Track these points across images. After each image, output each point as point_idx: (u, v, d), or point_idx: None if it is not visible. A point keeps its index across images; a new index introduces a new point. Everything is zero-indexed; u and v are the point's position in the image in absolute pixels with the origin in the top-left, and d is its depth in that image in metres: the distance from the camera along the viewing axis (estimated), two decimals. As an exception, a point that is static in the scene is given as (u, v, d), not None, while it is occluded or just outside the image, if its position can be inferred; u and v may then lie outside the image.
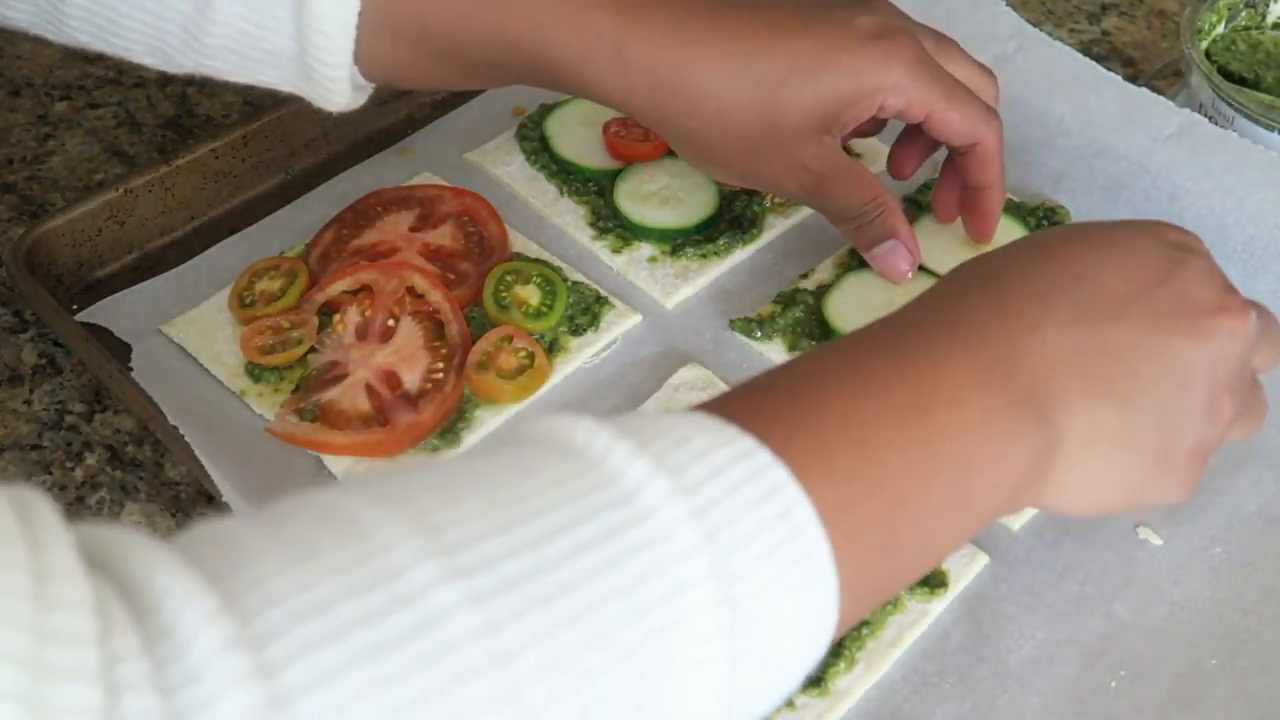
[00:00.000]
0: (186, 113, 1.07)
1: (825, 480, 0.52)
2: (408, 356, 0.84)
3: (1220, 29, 1.03)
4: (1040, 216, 0.94)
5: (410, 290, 0.87)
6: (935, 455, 0.56)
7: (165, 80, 1.09)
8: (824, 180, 0.81)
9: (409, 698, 0.40)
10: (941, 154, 0.91)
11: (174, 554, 0.41)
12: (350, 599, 0.40)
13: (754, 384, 0.58)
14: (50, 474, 0.83)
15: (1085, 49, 1.10)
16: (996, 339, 0.61)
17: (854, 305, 0.87)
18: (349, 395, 0.82)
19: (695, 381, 0.86)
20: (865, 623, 0.73)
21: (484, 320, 0.87)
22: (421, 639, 0.40)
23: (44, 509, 0.40)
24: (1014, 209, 0.94)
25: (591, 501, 0.46)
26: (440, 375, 0.83)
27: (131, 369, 0.84)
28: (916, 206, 0.95)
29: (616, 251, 0.93)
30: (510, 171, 0.98)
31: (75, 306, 0.90)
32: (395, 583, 0.41)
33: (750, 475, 0.50)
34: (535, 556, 0.44)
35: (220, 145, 0.96)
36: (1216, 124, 0.95)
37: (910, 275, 0.86)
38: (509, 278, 0.89)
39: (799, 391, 0.56)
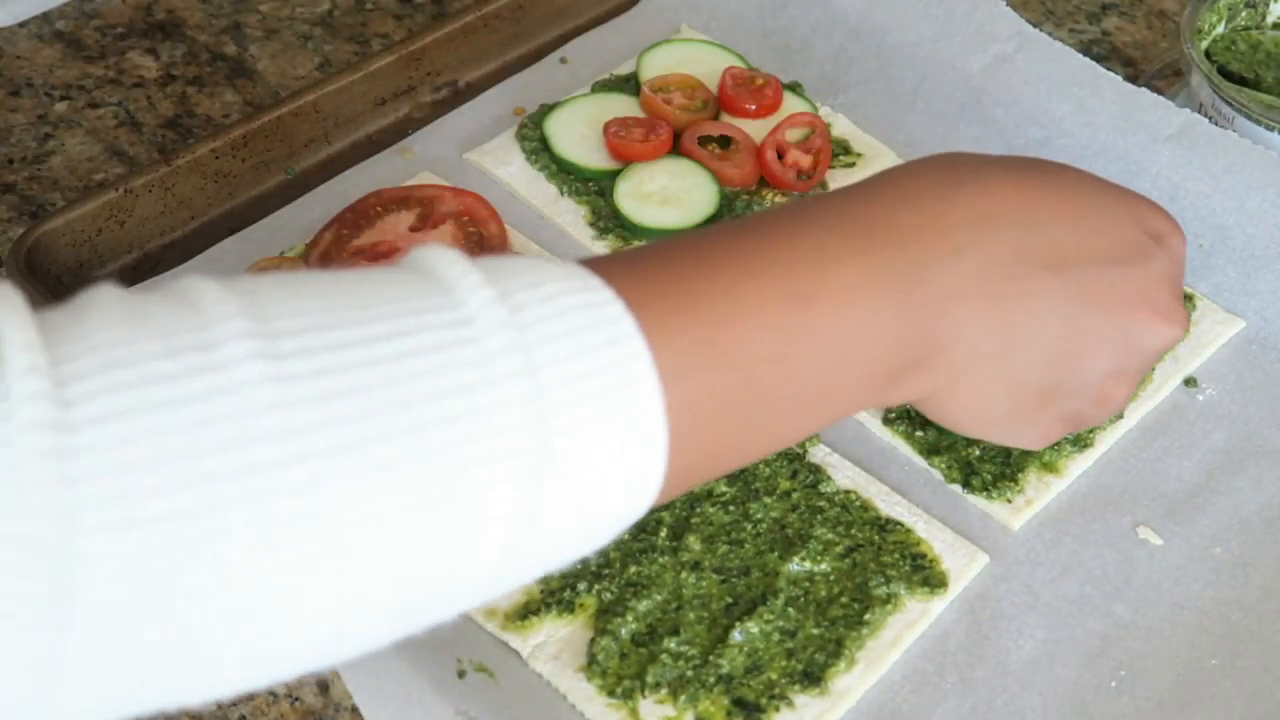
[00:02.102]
0: (186, 113, 1.07)
1: (674, 344, 0.52)
2: (408, 356, 0.84)
3: (1220, 29, 1.03)
4: (1040, 216, 0.94)
5: (410, 290, 0.86)
6: (803, 348, 0.56)
7: (165, 80, 1.09)
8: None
9: (194, 448, 0.42)
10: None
11: (25, 310, 0.44)
12: (161, 359, 0.43)
13: (652, 246, 0.58)
14: (50, 474, 0.83)
15: (1085, 49, 1.09)
16: (915, 249, 0.60)
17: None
18: (349, 395, 0.82)
19: (695, 381, 0.85)
20: (865, 623, 0.73)
21: (484, 320, 0.87)
22: (217, 401, 0.43)
23: None
24: (1014, 209, 0.94)
25: (426, 318, 0.47)
26: (440, 375, 0.83)
27: (131, 369, 0.84)
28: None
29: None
30: (510, 171, 0.98)
31: (75, 306, 0.90)
32: (209, 352, 0.44)
33: (594, 324, 0.50)
34: (353, 354, 0.45)
35: (220, 145, 0.96)
36: (1216, 124, 0.95)
37: None
38: (509, 278, 0.89)
39: (684, 259, 0.56)
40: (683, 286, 0.54)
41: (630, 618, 0.74)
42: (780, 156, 0.96)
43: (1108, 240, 0.65)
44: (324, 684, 0.74)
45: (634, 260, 0.56)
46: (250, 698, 0.73)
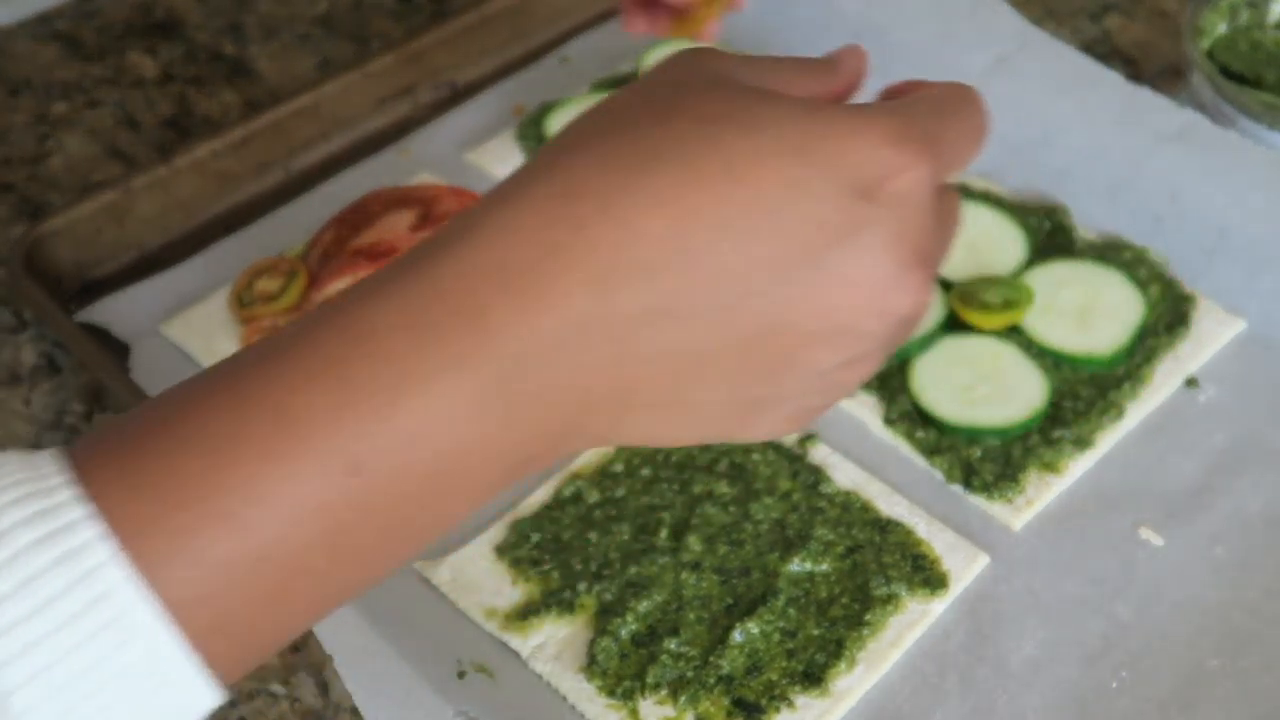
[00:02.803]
0: (186, 113, 1.07)
1: (174, 561, 0.42)
2: (407, 356, 0.84)
3: (1222, 28, 1.02)
4: (1041, 216, 0.94)
5: (410, 290, 0.87)
6: (373, 508, 0.45)
7: (165, 80, 1.09)
8: None
9: None
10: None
11: None
12: None
13: (154, 410, 0.45)
14: (50, 474, 0.83)
15: (1086, 48, 1.09)
16: (507, 337, 0.45)
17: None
18: (349, 395, 0.82)
19: (695, 381, 0.85)
20: (865, 623, 0.73)
21: (484, 320, 0.87)
22: None
23: None
24: (1014, 209, 0.94)
25: None
26: (440, 375, 0.83)
27: (131, 369, 0.84)
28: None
29: (617, 251, 0.93)
30: (510, 171, 0.98)
31: (75, 306, 0.90)
32: None
33: (69, 585, 0.41)
34: None
35: (220, 145, 0.96)
36: (1218, 124, 0.95)
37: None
38: (509, 278, 0.89)
39: (188, 434, 0.44)
40: (167, 464, 0.43)
41: (630, 618, 0.73)
42: (780, 156, 0.96)
43: (789, 240, 0.47)
44: (324, 684, 0.74)
45: (127, 438, 0.45)
46: (250, 697, 0.73)
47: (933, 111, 0.52)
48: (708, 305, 0.47)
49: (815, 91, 0.54)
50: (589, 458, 0.81)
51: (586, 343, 0.46)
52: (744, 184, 0.47)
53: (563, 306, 0.46)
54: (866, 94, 1.03)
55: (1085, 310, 0.87)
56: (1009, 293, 0.86)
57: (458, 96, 1.05)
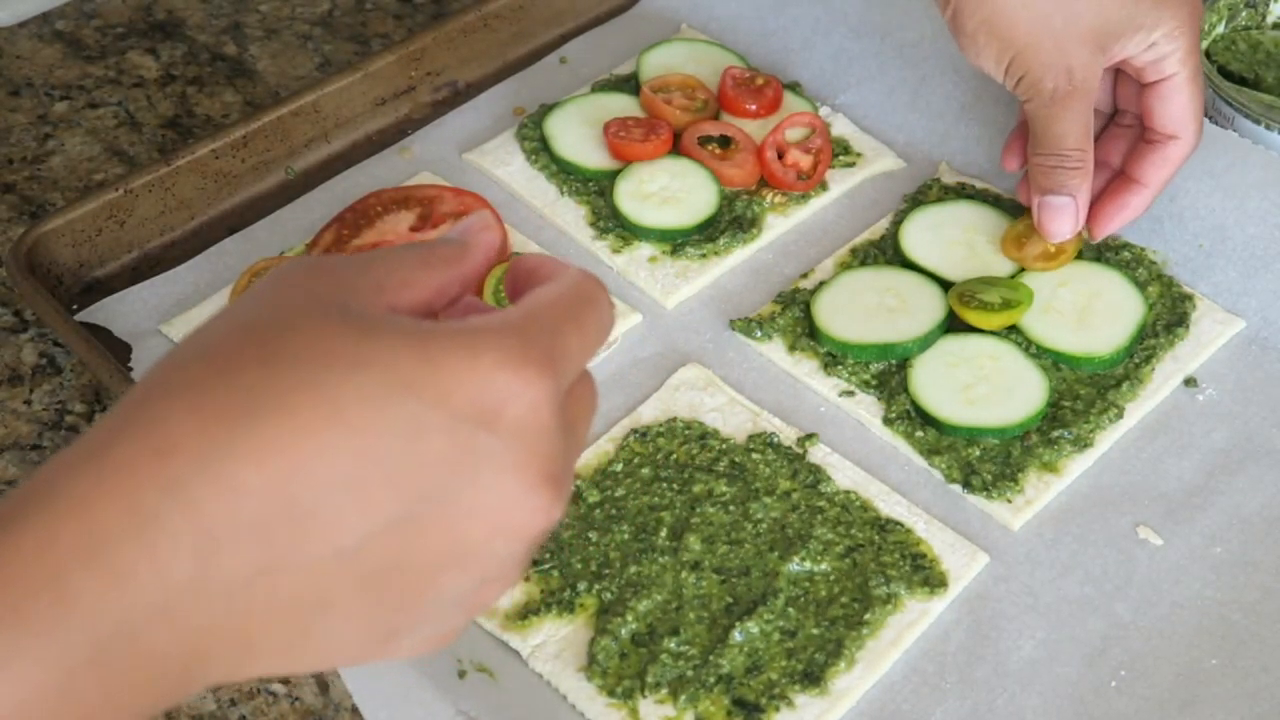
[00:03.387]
0: (186, 113, 1.07)
1: None
2: (408, 356, 0.84)
3: (1220, 29, 1.03)
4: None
5: (410, 290, 0.87)
6: None
7: (165, 80, 1.09)
8: (1071, 96, 0.84)
9: None
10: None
11: None
12: None
13: None
14: (50, 474, 0.83)
15: (1085, 49, 1.09)
16: (87, 613, 0.42)
17: (845, 306, 0.87)
18: (349, 395, 0.82)
19: (695, 381, 0.86)
20: (865, 623, 0.73)
21: (484, 320, 0.87)
22: None
23: None
24: (1014, 209, 0.94)
25: None
26: (440, 375, 0.83)
27: (131, 369, 0.84)
28: (915, 205, 0.95)
29: (616, 251, 0.93)
30: (510, 171, 0.98)
31: (75, 306, 0.90)
32: None
33: None
34: None
35: (220, 145, 0.96)
36: (1217, 124, 0.95)
37: (1066, 237, 0.88)
38: (509, 278, 0.89)
39: None
40: None
41: (630, 618, 0.74)
42: (780, 156, 0.96)
43: (406, 482, 0.46)
44: (324, 684, 0.74)
45: None
46: (250, 697, 0.73)
47: (552, 322, 0.50)
48: (324, 555, 0.45)
49: (446, 281, 0.52)
50: (588, 458, 0.81)
51: (195, 606, 0.43)
52: (353, 430, 0.44)
53: (163, 575, 0.42)
54: (866, 94, 1.03)
55: (1084, 310, 0.87)
56: (1008, 293, 0.86)
57: (458, 96, 1.05)
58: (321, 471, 0.44)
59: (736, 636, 0.73)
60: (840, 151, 0.99)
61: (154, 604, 0.42)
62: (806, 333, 0.88)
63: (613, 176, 0.95)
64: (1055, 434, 0.82)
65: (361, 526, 0.45)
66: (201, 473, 0.43)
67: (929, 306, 0.87)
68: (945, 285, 0.89)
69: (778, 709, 0.71)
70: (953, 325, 0.87)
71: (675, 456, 0.81)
